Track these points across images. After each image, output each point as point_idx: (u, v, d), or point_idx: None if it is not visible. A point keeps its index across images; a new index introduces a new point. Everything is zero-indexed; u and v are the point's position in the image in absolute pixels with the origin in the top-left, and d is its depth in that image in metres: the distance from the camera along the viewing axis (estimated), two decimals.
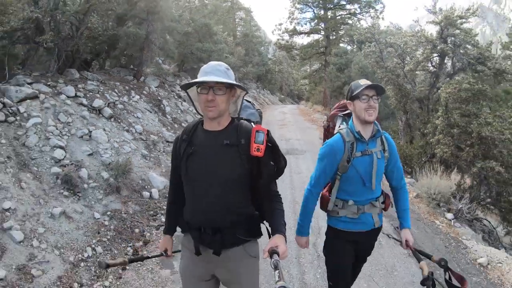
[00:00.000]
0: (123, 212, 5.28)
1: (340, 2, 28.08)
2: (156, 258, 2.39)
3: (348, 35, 24.27)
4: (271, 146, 1.91)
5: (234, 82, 1.88)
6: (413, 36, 9.12)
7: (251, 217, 2.01)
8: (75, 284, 3.79)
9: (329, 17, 28.10)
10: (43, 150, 5.21)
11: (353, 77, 13.46)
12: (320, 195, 2.61)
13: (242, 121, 2.01)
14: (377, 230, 2.62)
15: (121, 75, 10.21)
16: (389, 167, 2.53)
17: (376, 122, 2.48)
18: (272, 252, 1.70)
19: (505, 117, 7.60)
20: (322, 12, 27.95)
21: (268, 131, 1.91)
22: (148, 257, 2.27)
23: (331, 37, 27.00)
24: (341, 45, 25.48)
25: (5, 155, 4.68)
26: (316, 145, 11.62)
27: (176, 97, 11.87)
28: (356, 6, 27.92)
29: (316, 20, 28.27)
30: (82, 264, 4.09)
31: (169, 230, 2.29)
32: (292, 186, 7.29)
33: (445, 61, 9.75)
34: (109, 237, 4.71)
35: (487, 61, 9.31)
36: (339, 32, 27.39)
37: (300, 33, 28.81)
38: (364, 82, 2.40)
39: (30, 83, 6.25)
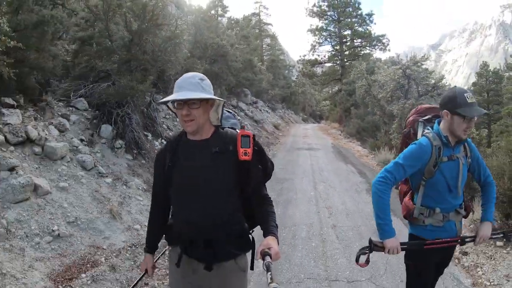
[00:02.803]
0: None
1: (354, 38, 33.75)
2: (141, 280, 2.23)
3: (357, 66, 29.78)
4: (258, 150, 1.93)
5: (205, 96, 1.83)
6: (386, 75, 14.41)
7: (243, 230, 2.00)
8: None
9: (344, 49, 33.77)
10: None
11: (361, 98, 18.72)
12: (404, 203, 2.54)
13: (226, 128, 2.02)
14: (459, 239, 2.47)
15: None
16: (475, 168, 2.48)
17: None
18: (264, 254, 1.68)
19: None
20: (338, 46, 33.67)
21: (254, 135, 1.93)
22: (135, 284, 2.19)
23: (345, 67, 32.45)
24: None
25: None
26: (327, 147, 17.08)
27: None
28: (367, 39, 33.49)
29: (333, 52, 34.00)
30: None
31: (150, 248, 2.20)
32: (311, 163, 12.44)
33: (412, 88, 15.04)
34: None
35: (439, 89, 14.56)
36: (352, 62, 32.87)
37: (320, 63, 34.54)
38: (470, 99, 2.28)
39: None
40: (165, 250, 2.38)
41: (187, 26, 12.86)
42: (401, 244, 2.31)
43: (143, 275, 2.19)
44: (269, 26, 45.83)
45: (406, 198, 2.55)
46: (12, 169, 4.37)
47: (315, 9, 35.00)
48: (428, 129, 2.48)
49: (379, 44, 32.69)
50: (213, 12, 17.36)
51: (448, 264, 2.62)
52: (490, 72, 28.73)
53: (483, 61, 33.30)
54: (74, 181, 5.11)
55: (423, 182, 2.37)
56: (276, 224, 1.91)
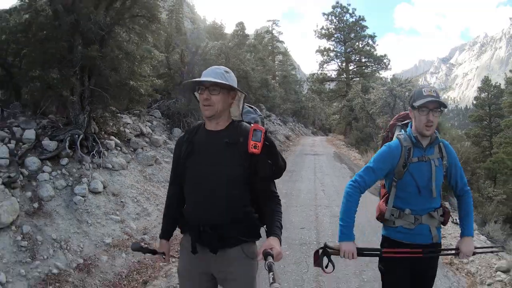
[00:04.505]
0: None
1: (361, 58, 37.47)
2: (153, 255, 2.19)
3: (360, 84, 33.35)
4: (269, 145, 1.96)
5: (227, 83, 1.94)
6: (376, 94, 17.92)
7: (250, 217, 2.02)
8: None
9: (349, 68, 37.46)
10: None
11: (357, 113, 22.25)
12: (377, 205, 2.56)
13: (242, 122, 2.09)
14: (436, 247, 2.43)
15: None
16: (451, 175, 2.44)
17: (436, 130, 2.41)
18: (267, 254, 1.71)
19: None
20: (344, 65, 37.43)
21: (266, 130, 1.97)
22: (152, 251, 2.19)
23: (350, 84, 36.02)
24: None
25: None
26: (329, 153, 20.46)
27: None
28: (370, 60, 37.13)
29: (339, 71, 37.76)
30: None
31: (165, 234, 2.26)
32: (315, 165, 15.84)
33: (399, 105, 18.50)
34: None
35: None
36: (355, 79, 36.45)
37: (328, 80, 38.25)
38: (427, 92, 2.33)
39: None
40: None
41: (220, 55, 16.49)
42: (359, 249, 2.33)
43: (160, 253, 2.18)
44: (281, 44, 49.04)
45: (381, 201, 2.55)
46: (142, 148, 8.00)
47: (323, 31, 38.85)
48: (401, 131, 2.54)
49: (381, 64, 36.23)
50: (236, 40, 21.12)
51: (430, 274, 2.47)
52: (492, 87, 30.83)
53: (485, 76, 36.10)
54: (169, 159, 8.69)
55: (394, 183, 2.39)
56: (281, 225, 1.96)
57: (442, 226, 2.48)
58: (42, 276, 3.87)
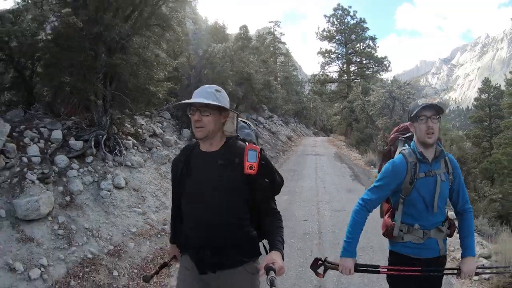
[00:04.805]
0: None
1: (362, 60, 38.02)
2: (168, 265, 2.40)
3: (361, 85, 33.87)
4: (265, 164, 1.95)
5: (218, 104, 1.92)
6: (376, 96, 18.46)
7: (250, 237, 2.03)
8: None
9: (350, 70, 38.02)
10: None
11: (358, 114, 22.77)
12: (383, 221, 2.56)
13: (236, 140, 2.06)
14: (442, 259, 2.45)
15: None
16: (454, 190, 2.42)
17: (440, 143, 2.42)
18: (269, 269, 1.71)
19: None
20: (345, 66, 38.00)
21: (261, 149, 1.96)
22: (166, 263, 2.37)
23: (351, 85, 36.56)
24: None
25: None
26: (330, 153, 20.98)
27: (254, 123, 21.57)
28: (371, 61, 37.68)
29: (340, 72, 38.37)
30: None
31: (174, 239, 2.36)
32: (316, 164, 16.38)
33: (397, 107, 19.03)
34: None
35: None
36: (356, 81, 36.99)
37: (329, 81, 38.82)
38: (423, 102, 2.36)
39: None
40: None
41: (225, 58, 16.95)
42: (358, 265, 2.36)
43: (171, 259, 2.39)
44: (283, 45, 49.47)
45: (386, 216, 2.55)
46: (156, 148, 8.54)
47: (324, 33, 39.38)
48: (405, 146, 2.50)
49: (381, 66, 36.78)
50: (239, 43, 21.62)
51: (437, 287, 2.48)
52: (492, 88, 31.10)
53: (485, 77, 36.48)
54: None
55: (401, 199, 2.37)
56: (283, 239, 1.95)
57: (448, 237, 2.48)
58: (79, 260, 4.41)
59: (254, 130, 2.43)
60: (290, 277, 4.56)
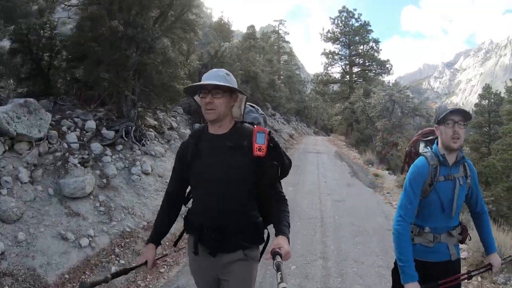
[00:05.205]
0: None
1: (365, 61, 38.78)
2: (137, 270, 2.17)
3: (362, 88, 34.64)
4: (273, 146, 1.96)
5: (230, 85, 1.95)
6: (376, 99, 19.26)
7: (255, 223, 2.07)
8: None
9: (353, 71, 38.80)
10: None
11: (358, 116, 23.58)
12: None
13: (244, 124, 2.09)
14: (454, 264, 2.45)
15: None
16: (472, 194, 2.46)
17: (461, 149, 2.41)
18: (275, 253, 1.70)
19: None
20: (348, 68, 38.79)
21: (269, 131, 1.97)
22: (131, 269, 2.10)
23: (353, 87, 37.34)
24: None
25: None
26: (330, 152, 21.73)
27: None
28: (373, 64, 38.44)
29: (343, 73, 39.17)
30: None
31: (154, 239, 2.24)
32: (317, 161, 17.14)
33: (397, 110, 19.82)
34: None
35: (417, 111, 19.32)
36: (358, 82, 37.75)
37: (331, 82, 39.61)
38: (452, 107, 2.34)
39: None
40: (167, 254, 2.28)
41: (232, 57, 17.73)
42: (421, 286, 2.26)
43: (141, 265, 2.14)
44: (286, 44, 50.03)
45: None
46: (174, 140, 9.31)
47: (329, 35, 40.10)
48: (427, 148, 2.52)
49: (383, 69, 37.53)
50: (247, 43, 22.36)
51: None
52: (492, 94, 31.43)
53: (485, 83, 37.05)
54: None
55: None
56: (289, 224, 1.96)
57: (460, 243, 2.48)
58: (119, 232, 5.20)
59: (262, 114, 2.44)
60: (298, 250, 5.41)
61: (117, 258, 4.71)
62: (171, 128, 9.92)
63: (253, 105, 2.45)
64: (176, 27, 7.84)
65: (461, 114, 2.31)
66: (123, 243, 4.99)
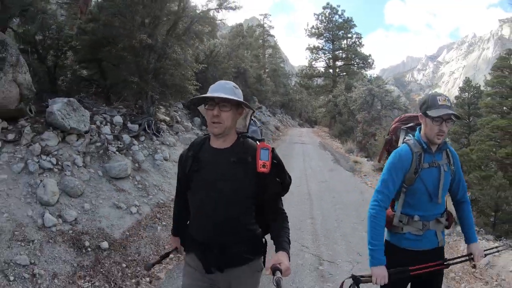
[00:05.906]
0: None
1: (348, 55, 40.65)
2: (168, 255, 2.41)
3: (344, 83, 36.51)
4: (276, 163, 1.97)
5: (240, 100, 1.93)
6: (357, 93, 21.00)
7: (256, 236, 2.08)
8: None
9: (336, 65, 40.69)
10: None
11: (341, 108, 25.28)
12: None
13: (247, 139, 2.06)
14: (440, 251, 2.47)
15: None
16: (454, 181, 2.47)
17: None
18: (275, 269, 1.71)
19: None
20: (331, 62, 40.67)
21: (273, 148, 1.97)
22: (168, 253, 2.37)
23: (336, 80, 39.22)
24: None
25: None
26: (315, 143, 23.45)
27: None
28: (355, 58, 40.34)
29: (326, 67, 41.04)
30: None
31: (175, 232, 2.39)
32: (303, 151, 18.77)
33: (376, 103, 21.61)
34: None
35: (396, 104, 21.15)
36: (341, 76, 39.66)
37: (316, 76, 41.43)
38: (441, 101, 2.29)
39: None
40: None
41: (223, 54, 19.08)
42: (389, 272, 2.26)
43: (173, 250, 2.40)
44: (271, 37, 51.16)
45: None
46: (181, 132, 10.80)
47: (313, 30, 41.83)
48: (409, 136, 2.51)
49: (366, 63, 39.52)
50: (237, 41, 23.74)
51: (438, 281, 2.48)
52: (472, 87, 32.45)
53: (466, 77, 38.62)
54: None
55: (403, 189, 2.38)
56: (289, 240, 1.96)
57: (445, 229, 2.50)
58: (155, 203, 6.72)
59: (260, 127, 2.46)
60: (293, 212, 7.00)
61: (160, 221, 6.24)
62: (177, 121, 11.40)
63: (252, 118, 2.39)
64: (186, 36, 9.29)
65: (452, 114, 2.31)
66: (160, 211, 6.52)
